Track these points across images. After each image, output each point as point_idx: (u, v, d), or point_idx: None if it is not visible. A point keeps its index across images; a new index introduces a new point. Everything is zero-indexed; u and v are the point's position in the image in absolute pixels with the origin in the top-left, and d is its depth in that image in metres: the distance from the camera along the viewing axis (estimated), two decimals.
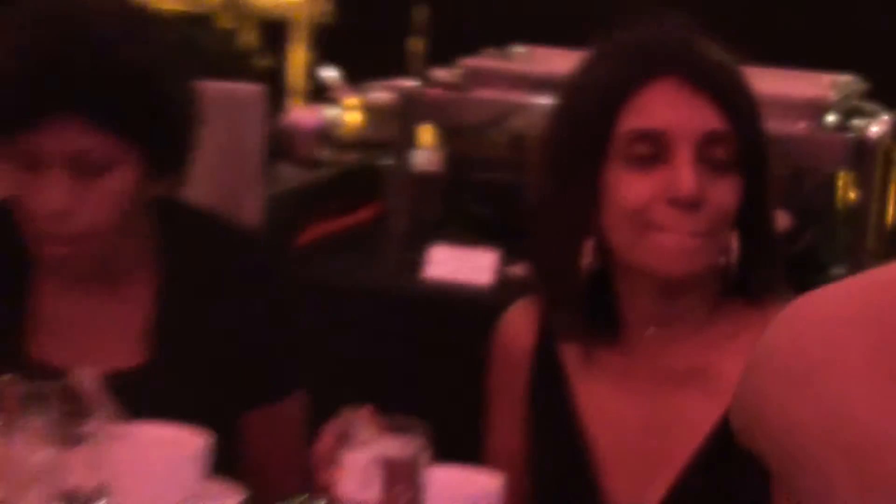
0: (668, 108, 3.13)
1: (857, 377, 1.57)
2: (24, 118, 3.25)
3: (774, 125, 3.66)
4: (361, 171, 5.55)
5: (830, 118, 4.73)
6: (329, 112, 5.67)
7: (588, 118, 3.20)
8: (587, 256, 3.17)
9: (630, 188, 3.12)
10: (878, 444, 1.55)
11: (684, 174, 3.07)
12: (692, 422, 3.14)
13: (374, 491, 2.65)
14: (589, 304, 3.23)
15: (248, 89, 5.06)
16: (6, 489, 2.82)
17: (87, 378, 2.87)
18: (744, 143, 3.15)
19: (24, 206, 3.36)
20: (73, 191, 3.27)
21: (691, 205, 3.07)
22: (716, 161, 3.09)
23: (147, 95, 3.32)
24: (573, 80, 3.34)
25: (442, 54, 5.45)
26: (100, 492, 2.75)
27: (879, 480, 1.54)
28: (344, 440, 2.74)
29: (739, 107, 3.16)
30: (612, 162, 3.12)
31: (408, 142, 5.07)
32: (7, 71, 3.35)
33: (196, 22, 6.09)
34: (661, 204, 3.08)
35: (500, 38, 5.34)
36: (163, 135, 3.35)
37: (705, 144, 3.09)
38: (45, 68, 3.29)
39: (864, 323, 1.59)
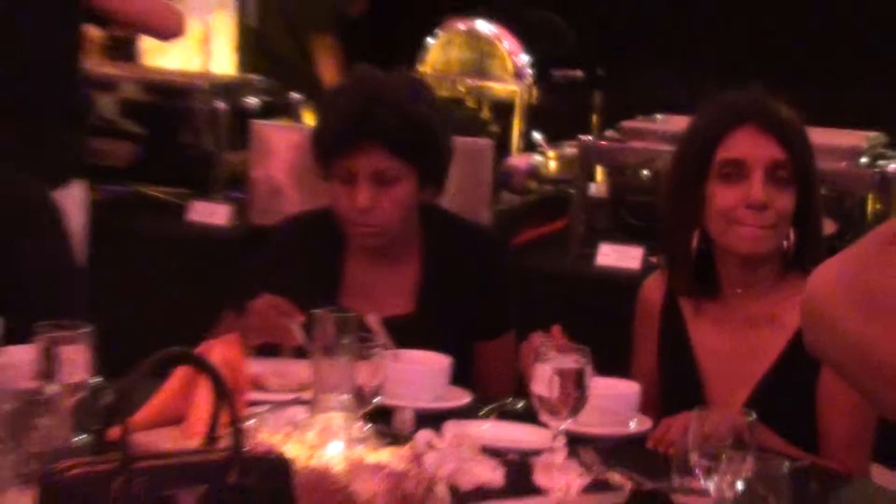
0: (746, 145, 3.87)
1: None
2: (346, 148, 4.16)
3: (828, 163, 4.49)
4: (556, 197, 6.00)
5: (863, 159, 5.30)
6: (535, 159, 6.18)
7: (696, 152, 3.97)
8: (695, 241, 3.92)
9: (722, 197, 3.85)
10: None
11: (756, 188, 3.79)
12: (765, 350, 3.85)
13: (554, 392, 3.26)
14: (697, 273, 3.97)
15: (484, 143, 5.69)
16: (319, 389, 3.34)
17: (373, 320, 3.76)
18: (798, 168, 3.87)
19: (341, 207, 4.19)
20: (374, 196, 4.10)
21: (760, 208, 3.79)
22: (778, 178, 3.83)
23: (423, 137, 4.19)
24: (688, 127, 4.14)
25: (609, 121, 6.05)
26: (377, 390, 3.38)
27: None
28: (536, 356, 3.37)
29: (794, 143, 3.89)
30: (711, 180, 3.87)
31: (586, 177, 5.61)
32: (337, 119, 4.26)
33: (453, 101, 6.44)
34: (741, 207, 3.81)
35: (647, 108, 5.89)
36: (430, 162, 4.23)
37: (771, 168, 3.83)
38: (361, 118, 4.15)
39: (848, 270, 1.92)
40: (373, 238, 4.23)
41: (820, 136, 4.34)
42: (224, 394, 2.66)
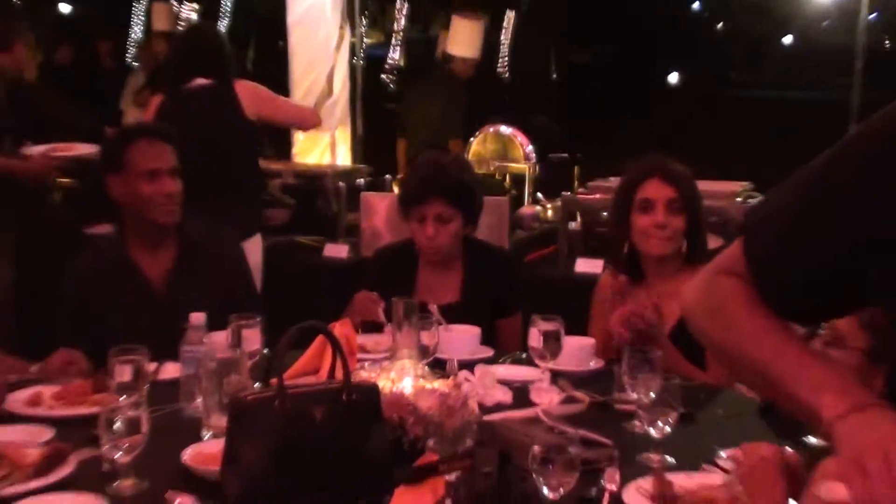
0: (653, 189, 3.93)
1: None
2: (420, 200, 4.12)
3: (718, 202, 4.60)
4: (550, 231, 5.92)
5: (738, 199, 5.23)
6: (538, 208, 6.23)
7: (624, 194, 4.02)
8: (626, 249, 4.01)
9: (640, 221, 3.92)
10: None
11: (659, 215, 3.88)
12: (672, 313, 3.70)
13: (541, 344, 3.42)
14: (630, 268, 4.04)
15: (503, 200, 5.62)
16: (396, 347, 3.36)
17: (433, 307, 3.83)
18: (686, 202, 3.93)
19: (417, 237, 4.18)
20: (437, 230, 4.12)
21: (662, 227, 3.89)
22: (673, 209, 3.90)
23: (465, 194, 4.17)
24: (621, 180, 4.15)
25: (582, 183, 6.06)
26: (434, 348, 3.45)
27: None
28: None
29: (683, 187, 3.96)
30: (633, 212, 3.94)
31: (567, 218, 5.62)
32: (416, 181, 4.23)
33: (488, 176, 6.34)
34: (651, 227, 3.89)
35: (605, 174, 5.84)
36: (469, 210, 4.21)
37: (668, 203, 3.89)
38: (431, 181, 4.16)
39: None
40: (435, 256, 4.21)
41: (715, 186, 4.42)
42: (340, 351, 2.74)
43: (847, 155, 1.62)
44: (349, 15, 6.59)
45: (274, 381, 2.61)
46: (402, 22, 24.64)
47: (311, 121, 5.74)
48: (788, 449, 2.35)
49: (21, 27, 5.60)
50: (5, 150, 5.38)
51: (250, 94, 5.36)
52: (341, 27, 6.48)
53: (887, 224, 1.53)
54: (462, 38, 7.68)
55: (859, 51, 6.00)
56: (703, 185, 4.16)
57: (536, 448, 2.42)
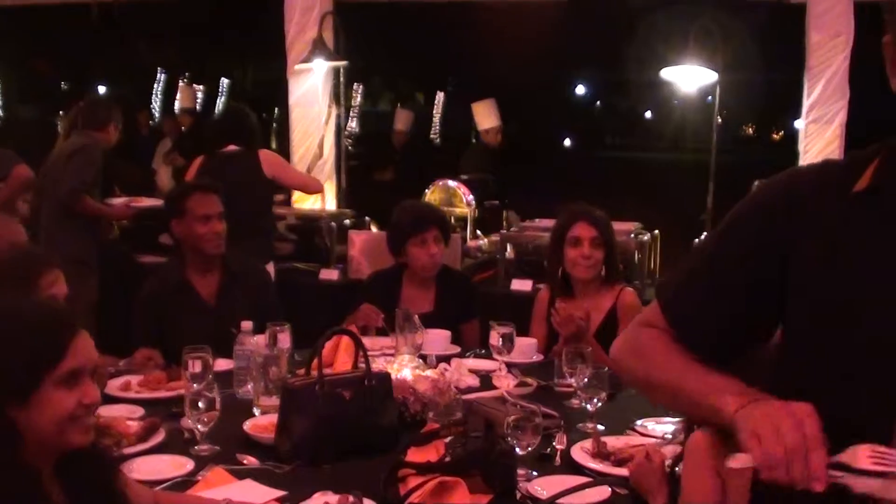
0: (580, 230, 3.88)
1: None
2: (422, 227, 4.08)
3: (621, 237, 4.42)
4: (490, 260, 5.74)
5: (632, 235, 5.09)
6: (480, 242, 6.07)
7: (558, 233, 3.95)
8: (560, 272, 3.95)
9: (570, 254, 3.88)
10: None
11: (586, 249, 3.86)
12: (595, 320, 3.75)
13: (499, 343, 3.46)
14: (562, 287, 3.97)
15: (455, 235, 5.27)
16: (398, 346, 3.39)
17: (415, 315, 3.51)
18: (604, 239, 3.90)
19: (419, 258, 4.11)
20: (436, 250, 4.12)
21: (587, 258, 3.86)
22: (595, 244, 3.86)
23: (447, 224, 4.24)
24: (556, 222, 4.07)
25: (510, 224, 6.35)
26: (420, 346, 3.42)
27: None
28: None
29: (603, 228, 3.91)
30: (566, 245, 3.89)
31: (504, 250, 5.44)
32: (415, 214, 4.19)
33: None
34: (579, 258, 3.86)
35: (531, 216, 5.83)
36: (448, 237, 4.22)
37: (591, 240, 3.86)
38: (428, 213, 4.24)
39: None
40: (433, 270, 4.18)
41: (619, 226, 4.45)
42: (361, 347, 2.83)
43: (730, 232, 1.64)
44: (335, 97, 6.57)
45: (314, 370, 2.71)
46: (359, 99, 24.71)
47: (314, 188, 5.82)
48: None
49: (114, 111, 5.64)
50: (98, 200, 5.47)
51: (269, 160, 5.43)
52: (329, 105, 6.51)
53: (762, 272, 1.57)
54: (484, 115, 8.00)
55: (714, 124, 6.05)
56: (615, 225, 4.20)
57: (511, 418, 2.53)
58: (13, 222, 3.60)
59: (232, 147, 5.40)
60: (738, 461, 1.40)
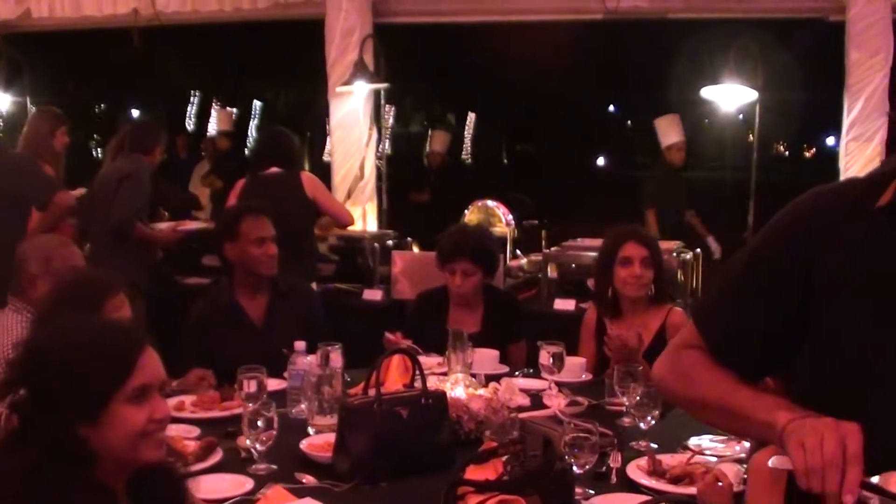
0: (631, 250, 3.89)
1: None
2: (451, 259, 4.08)
3: (663, 255, 4.50)
4: (532, 279, 5.75)
5: (674, 254, 5.04)
6: (520, 262, 6.04)
7: (608, 253, 3.96)
8: (611, 292, 3.95)
9: (621, 272, 3.88)
10: None
11: (637, 268, 3.87)
12: (646, 339, 3.70)
13: (549, 362, 3.49)
14: (611, 306, 3.98)
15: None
16: (451, 364, 3.47)
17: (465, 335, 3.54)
18: (653, 259, 3.91)
19: (449, 286, 4.13)
20: (462, 281, 4.09)
21: (638, 277, 3.86)
22: (645, 264, 3.87)
23: (486, 254, 4.12)
24: (603, 242, 4.08)
25: (550, 244, 6.08)
26: (470, 365, 3.39)
27: None
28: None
29: (652, 248, 3.93)
30: (617, 265, 3.89)
31: (546, 269, 5.41)
32: (448, 244, 4.14)
33: None
34: (629, 277, 3.85)
35: (572, 237, 5.72)
36: (489, 266, 4.16)
37: (641, 259, 3.87)
38: (457, 244, 4.10)
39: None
40: (460, 300, 4.18)
41: (664, 245, 4.43)
42: (418, 365, 2.85)
43: (759, 252, 1.69)
44: (375, 119, 6.60)
45: (372, 389, 2.73)
46: (390, 121, 24.83)
47: (347, 220, 5.79)
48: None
49: (161, 135, 5.73)
50: (146, 225, 5.53)
51: (311, 183, 5.51)
52: (370, 128, 6.54)
53: (789, 290, 1.61)
54: (667, 130, 7.46)
55: (755, 143, 6.05)
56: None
57: (568, 436, 2.54)
58: (72, 246, 3.63)
59: (274, 169, 5.46)
60: (778, 462, 1.46)
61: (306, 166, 10.21)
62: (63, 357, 1.81)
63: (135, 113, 18.54)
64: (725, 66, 5.40)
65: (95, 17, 6.81)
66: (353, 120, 6.43)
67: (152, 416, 1.83)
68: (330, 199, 5.74)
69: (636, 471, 2.69)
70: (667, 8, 5.85)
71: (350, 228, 6.21)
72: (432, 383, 3.10)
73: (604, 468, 2.69)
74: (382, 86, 6.35)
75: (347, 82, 6.10)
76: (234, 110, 19.85)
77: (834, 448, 1.38)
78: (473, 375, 3.42)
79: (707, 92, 5.54)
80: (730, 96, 5.55)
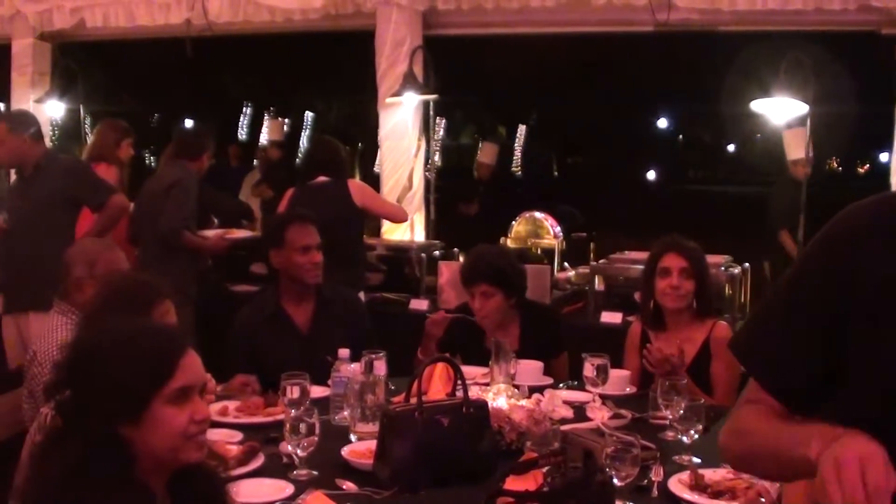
0: (670, 261, 3.87)
1: None
2: (470, 282, 4.07)
3: (710, 269, 4.19)
4: (579, 292, 5.68)
5: (722, 268, 4.98)
6: (568, 274, 5.99)
7: (650, 264, 3.94)
8: (652, 304, 3.94)
9: (660, 283, 3.86)
10: None
11: (674, 279, 3.84)
12: (688, 353, 3.70)
13: (593, 374, 3.45)
14: (654, 319, 3.97)
15: (545, 267, 5.49)
16: (493, 375, 3.44)
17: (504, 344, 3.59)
18: (694, 269, 3.86)
19: (475, 310, 4.08)
20: (482, 304, 4.05)
21: (676, 288, 3.84)
22: (684, 275, 3.84)
23: (504, 276, 4.05)
24: (650, 255, 4.02)
25: (597, 256, 6.01)
26: (513, 377, 3.42)
27: None
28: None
29: (693, 258, 3.88)
30: (657, 276, 3.87)
31: (593, 282, 5.38)
32: (467, 269, 4.16)
33: (527, 250, 6.22)
34: (668, 288, 3.83)
35: (618, 249, 5.67)
36: (510, 287, 4.07)
37: (681, 270, 3.84)
38: (473, 269, 4.09)
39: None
40: (483, 322, 4.12)
41: (709, 259, 4.41)
42: (460, 374, 2.85)
43: (801, 272, 1.65)
44: (424, 130, 6.61)
45: (413, 398, 2.73)
46: (441, 133, 24.89)
47: (401, 217, 5.85)
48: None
49: (207, 141, 5.75)
50: (193, 232, 5.54)
51: (358, 190, 5.51)
52: (419, 139, 6.54)
53: (833, 306, 1.56)
54: (794, 144, 7.07)
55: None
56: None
57: (610, 449, 2.52)
58: (117, 250, 3.67)
59: (322, 178, 5.48)
60: (815, 493, 1.43)
61: (357, 176, 10.27)
62: (106, 358, 1.84)
63: (188, 123, 18.73)
64: (776, 78, 5.32)
65: (148, 27, 6.90)
66: (402, 131, 6.43)
67: (193, 418, 1.86)
68: (380, 202, 5.75)
69: (678, 485, 2.67)
70: (717, 21, 5.78)
71: (397, 238, 6.24)
72: (475, 393, 3.11)
73: (645, 481, 2.66)
74: (431, 97, 6.34)
75: (397, 93, 6.11)
76: (287, 121, 20.10)
77: (854, 482, 1.36)
78: (517, 387, 3.41)
79: (757, 105, 5.47)
80: (780, 109, 5.48)
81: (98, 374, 1.83)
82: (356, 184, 5.59)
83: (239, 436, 3.10)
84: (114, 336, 1.91)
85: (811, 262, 1.64)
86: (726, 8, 5.55)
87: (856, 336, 1.53)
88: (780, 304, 1.68)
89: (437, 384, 3.34)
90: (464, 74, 15.51)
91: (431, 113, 6.60)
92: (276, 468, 2.81)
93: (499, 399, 3.09)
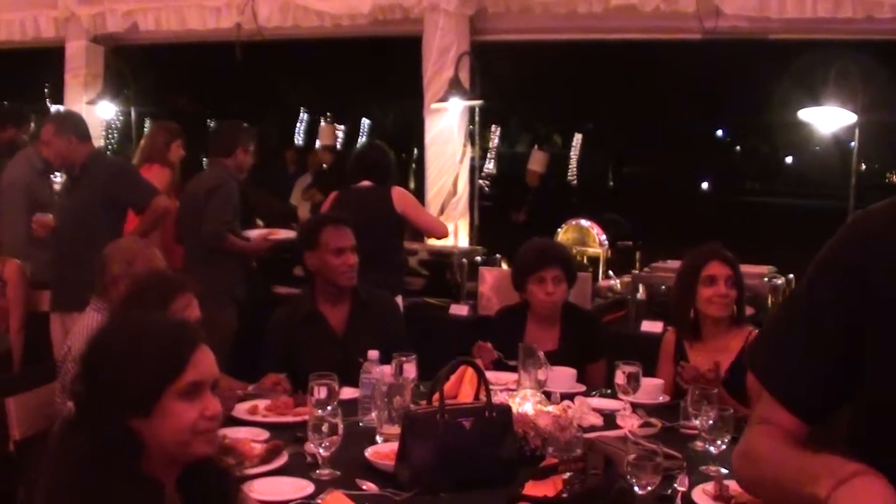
0: (715, 269, 3.82)
1: None
2: (541, 265, 4.08)
3: (752, 280, 4.41)
4: (622, 300, 5.66)
5: (765, 279, 4.95)
6: (611, 282, 6.03)
7: (690, 272, 3.88)
8: (692, 313, 3.87)
9: (705, 291, 3.80)
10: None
11: (722, 288, 3.79)
12: (726, 362, 3.66)
13: (624, 382, 3.43)
14: (691, 328, 3.92)
15: (586, 275, 5.37)
16: (521, 380, 3.38)
17: (540, 353, 3.46)
18: (736, 279, 3.83)
19: (537, 296, 4.10)
20: (556, 287, 4.09)
21: (723, 296, 3.79)
22: (729, 283, 3.80)
23: (571, 264, 4.18)
24: (684, 261, 4.01)
25: (642, 264, 6.17)
26: (543, 383, 3.40)
27: None
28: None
29: (735, 266, 3.85)
30: (700, 285, 3.81)
31: (636, 290, 5.36)
32: (537, 252, 4.18)
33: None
34: (714, 296, 3.78)
35: (661, 258, 5.62)
36: (573, 276, 4.15)
37: (726, 279, 3.80)
38: (549, 251, 4.17)
39: None
40: (550, 310, 4.15)
41: (748, 269, 4.35)
42: (483, 378, 2.86)
43: (815, 280, 1.60)
44: (470, 136, 6.60)
45: (436, 400, 2.72)
46: (496, 141, 24.90)
47: (439, 232, 5.79)
48: None
49: (240, 135, 5.65)
50: (237, 234, 5.52)
51: (401, 197, 5.49)
52: (464, 145, 6.52)
53: (859, 316, 1.52)
54: None
55: (853, 168, 5.87)
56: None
57: (631, 456, 2.50)
58: (153, 248, 3.71)
59: (365, 182, 5.50)
60: None
61: (411, 183, 10.27)
62: (118, 350, 1.86)
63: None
64: (825, 87, 5.24)
65: (199, 30, 6.99)
66: (448, 137, 6.43)
67: (203, 413, 1.86)
68: (420, 212, 5.71)
69: (702, 495, 2.63)
70: (766, 28, 5.69)
71: (440, 243, 6.23)
72: (502, 398, 3.10)
73: (669, 491, 2.63)
74: (477, 103, 6.32)
75: (442, 99, 6.12)
76: (342, 127, 20.23)
77: None
78: (548, 394, 3.40)
79: (805, 114, 5.39)
80: (828, 119, 5.39)
81: (110, 366, 1.84)
82: (399, 190, 5.56)
83: (266, 434, 3.12)
84: (127, 330, 1.93)
85: (824, 268, 1.60)
86: (775, 16, 5.48)
87: (872, 339, 1.50)
88: (795, 312, 1.64)
89: (466, 388, 3.34)
90: (518, 82, 15.52)
91: (477, 119, 6.58)
92: (300, 467, 2.82)
93: (525, 404, 3.06)
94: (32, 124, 7.06)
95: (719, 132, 32.23)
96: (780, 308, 1.67)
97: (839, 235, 1.59)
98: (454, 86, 6.09)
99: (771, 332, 1.71)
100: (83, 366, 1.89)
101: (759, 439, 1.61)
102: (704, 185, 31.84)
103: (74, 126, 5.19)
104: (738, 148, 34.80)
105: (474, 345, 4.03)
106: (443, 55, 6.31)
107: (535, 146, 13.47)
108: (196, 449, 1.87)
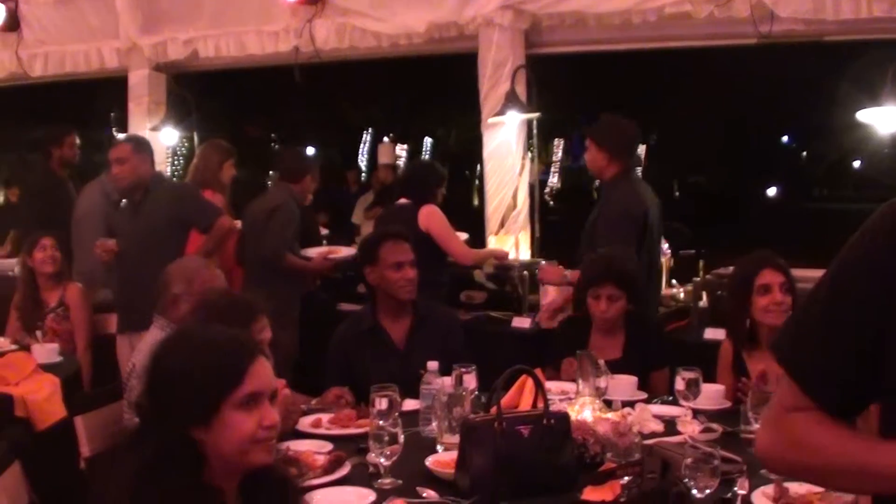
0: (770, 276, 3.80)
1: None
2: (597, 283, 4.12)
3: (807, 284, 4.67)
4: (684, 308, 5.68)
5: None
6: (674, 291, 5.96)
7: (744, 280, 3.88)
8: (748, 322, 3.87)
9: (761, 300, 3.79)
10: None
11: (777, 295, 3.76)
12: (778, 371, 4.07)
13: (685, 388, 3.46)
14: (748, 337, 3.90)
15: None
16: (580, 388, 3.34)
17: (602, 361, 3.54)
18: (791, 285, 3.80)
19: (595, 311, 4.11)
20: (608, 306, 4.10)
21: (779, 304, 3.76)
22: (784, 290, 3.77)
23: (630, 280, 4.14)
24: (736, 268, 4.06)
25: (706, 271, 6.37)
26: (604, 391, 3.45)
27: None
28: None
29: (788, 272, 3.83)
30: (755, 293, 3.80)
31: (698, 298, 5.36)
32: (596, 269, 4.18)
33: None
34: (770, 304, 3.75)
35: (723, 265, 5.57)
36: (633, 292, 4.14)
37: (781, 285, 3.78)
38: (604, 270, 4.14)
39: None
40: (605, 325, 4.17)
41: (807, 273, 4.31)
42: (541, 386, 2.88)
43: (841, 272, 1.56)
44: (529, 149, 6.61)
45: (494, 409, 2.75)
46: (559, 154, 24.85)
47: (463, 258, 5.73)
48: None
49: (310, 165, 5.87)
50: (297, 254, 5.62)
51: (426, 216, 5.53)
52: (523, 158, 6.54)
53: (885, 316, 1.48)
54: None
55: None
56: (800, 272, 4.05)
57: (689, 459, 2.49)
58: (214, 268, 3.80)
59: (403, 200, 5.60)
60: None
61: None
62: (179, 362, 1.92)
63: (310, 150, 19.17)
64: (883, 87, 5.16)
65: (258, 55, 7.10)
66: (506, 150, 6.46)
67: (261, 423, 1.91)
68: (445, 235, 5.62)
69: (762, 498, 2.62)
70: (822, 31, 5.64)
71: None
72: (561, 407, 3.12)
73: (729, 494, 2.61)
74: (534, 115, 6.34)
75: (499, 113, 6.15)
76: (405, 146, 20.35)
77: None
78: (609, 402, 3.40)
79: (863, 115, 5.32)
80: (888, 119, 5.31)
81: (171, 379, 1.91)
82: (428, 209, 5.55)
83: (329, 446, 3.16)
84: (187, 343, 1.99)
85: (852, 258, 1.55)
86: (831, 17, 5.43)
87: (890, 337, 1.47)
88: (823, 303, 1.58)
89: (527, 398, 3.35)
90: (581, 95, 15.49)
91: (535, 132, 6.59)
92: (362, 477, 2.86)
93: (584, 411, 3.07)
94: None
95: (784, 138, 31.82)
96: (810, 295, 1.63)
97: (868, 224, 1.56)
98: (511, 99, 6.13)
99: (798, 321, 1.66)
100: (146, 379, 1.95)
101: (809, 427, 1.56)
102: (771, 193, 31.46)
103: (149, 148, 5.37)
104: (804, 154, 34.35)
105: (564, 360, 4.04)
106: (498, 69, 6.34)
107: None
108: (255, 458, 1.92)
